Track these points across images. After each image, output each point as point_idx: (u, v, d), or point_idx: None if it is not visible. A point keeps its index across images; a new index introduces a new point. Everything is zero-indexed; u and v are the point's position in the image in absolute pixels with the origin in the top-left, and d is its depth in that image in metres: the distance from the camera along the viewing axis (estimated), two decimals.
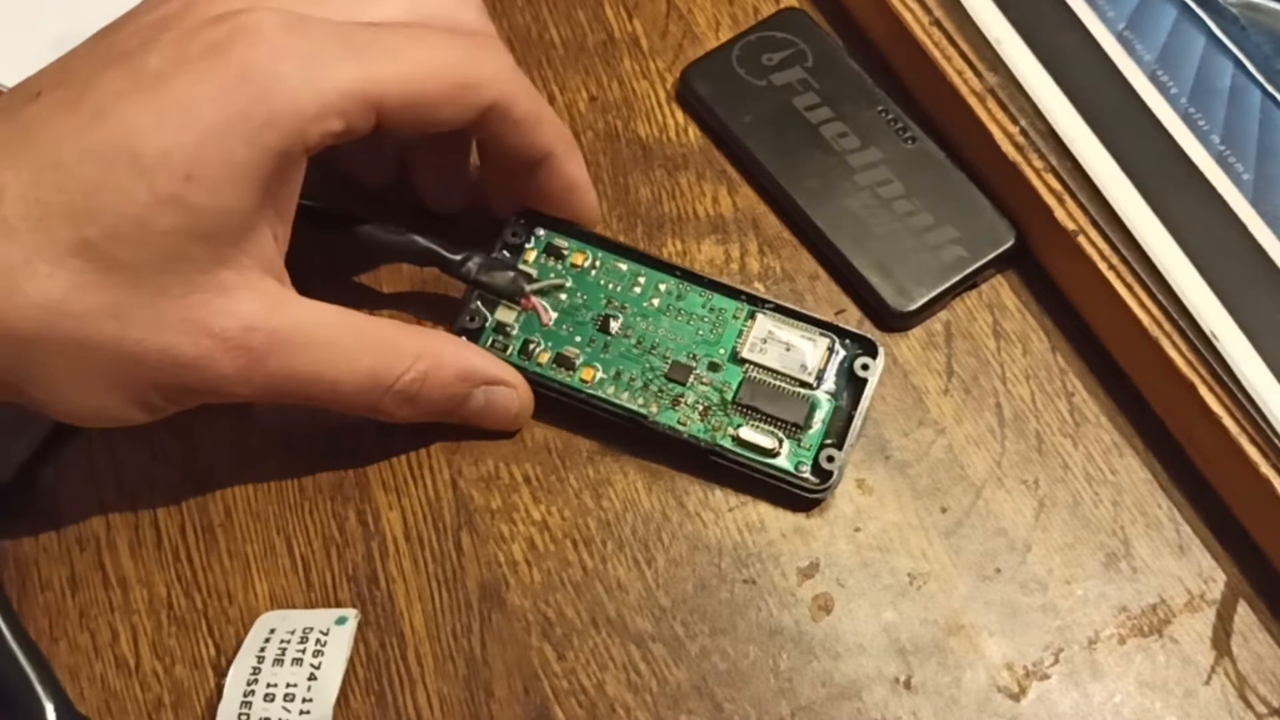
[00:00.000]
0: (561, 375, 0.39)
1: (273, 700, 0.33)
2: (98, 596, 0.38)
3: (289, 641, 0.34)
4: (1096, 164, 0.40)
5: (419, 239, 0.39)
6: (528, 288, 0.39)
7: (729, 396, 0.38)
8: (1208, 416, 0.37)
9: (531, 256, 0.40)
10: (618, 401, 0.38)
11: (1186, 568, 0.38)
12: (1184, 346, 0.38)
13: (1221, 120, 0.42)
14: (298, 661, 0.34)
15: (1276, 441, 0.36)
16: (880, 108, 0.44)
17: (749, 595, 0.37)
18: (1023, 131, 0.41)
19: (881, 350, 0.38)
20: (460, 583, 0.37)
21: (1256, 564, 0.37)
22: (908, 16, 0.44)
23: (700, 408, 0.38)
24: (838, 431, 0.38)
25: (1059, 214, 0.40)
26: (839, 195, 0.42)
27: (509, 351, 0.39)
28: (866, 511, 0.38)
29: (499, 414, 0.39)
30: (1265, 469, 0.36)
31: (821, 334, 0.39)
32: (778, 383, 0.38)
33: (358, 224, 0.39)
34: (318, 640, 0.34)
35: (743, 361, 0.39)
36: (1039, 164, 0.41)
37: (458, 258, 0.39)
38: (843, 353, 0.39)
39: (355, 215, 0.39)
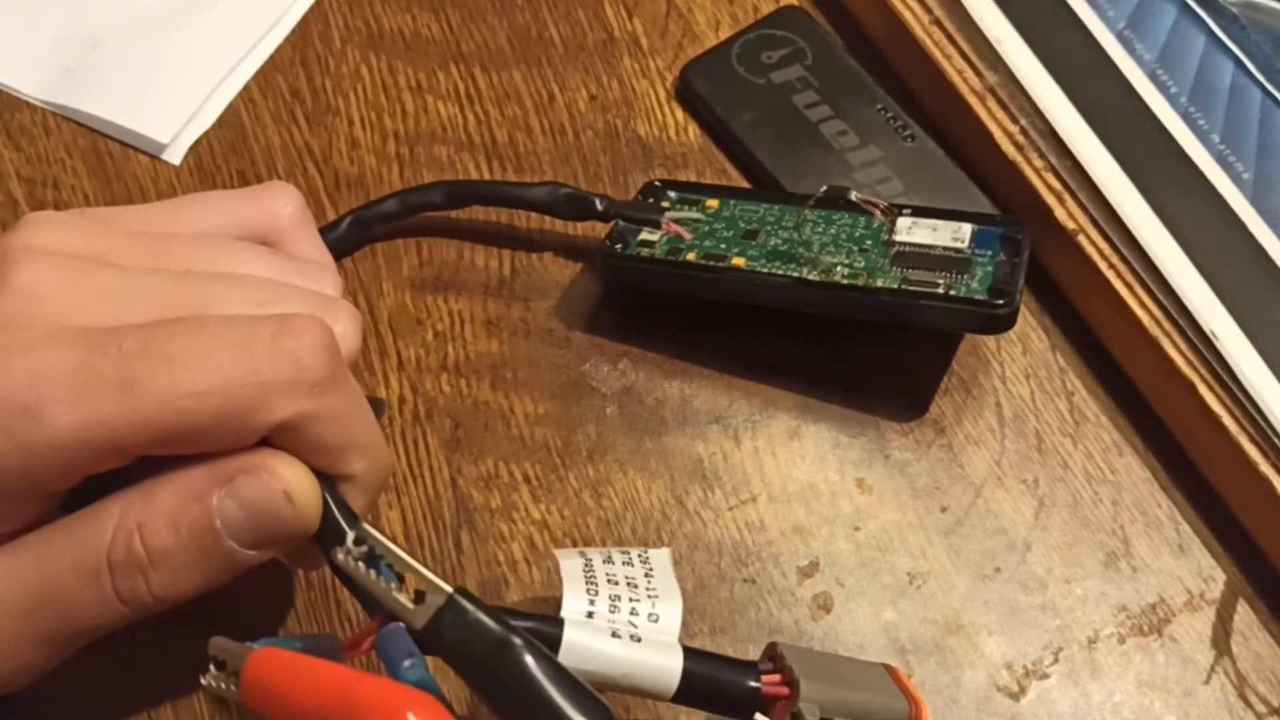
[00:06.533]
0: (713, 264, 0.39)
1: (616, 583, 0.31)
2: None
3: (609, 551, 0.32)
4: (1096, 163, 0.40)
5: (561, 186, 0.41)
6: (667, 215, 0.40)
7: (885, 265, 0.38)
8: (1208, 416, 0.37)
9: (666, 205, 0.41)
10: (774, 272, 0.38)
11: (1186, 567, 0.37)
12: (1184, 346, 0.38)
13: (1221, 119, 0.42)
14: (628, 564, 0.32)
15: (1276, 441, 0.36)
16: (880, 106, 0.44)
17: (749, 594, 0.37)
18: (1023, 131, 0.41)
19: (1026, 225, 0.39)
20: (460, 582, 0.37)
21: (1256, 564, 0.37)
22: (907, 15, 0.44)
23: (860, 275, 0.38)
24: (1005, 274, 0.37)
25: (1059, 213, 0.40)
26: None
27: (655, 254, 0.39)
28: (866, 510, 0.38)
29: (264, 512, 0.29)
30: (1265, 468, 0.36)
31: (965, 221, 0.39)
32: (933, 251, 0.38)
33: (505, 187, 0.42)
34: (639, 554, 0.33)
35: (894, 243, 0.39)
36: (1039, 163, 0.41)
37: (596, 198, 0.41)
38: (991, 230, 0.39)
39: (499, 181, 0.43)
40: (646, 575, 0.32)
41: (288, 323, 0.29)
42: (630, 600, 0.31)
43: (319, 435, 0.29)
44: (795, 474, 0.39)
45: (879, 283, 0.37)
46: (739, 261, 0.39)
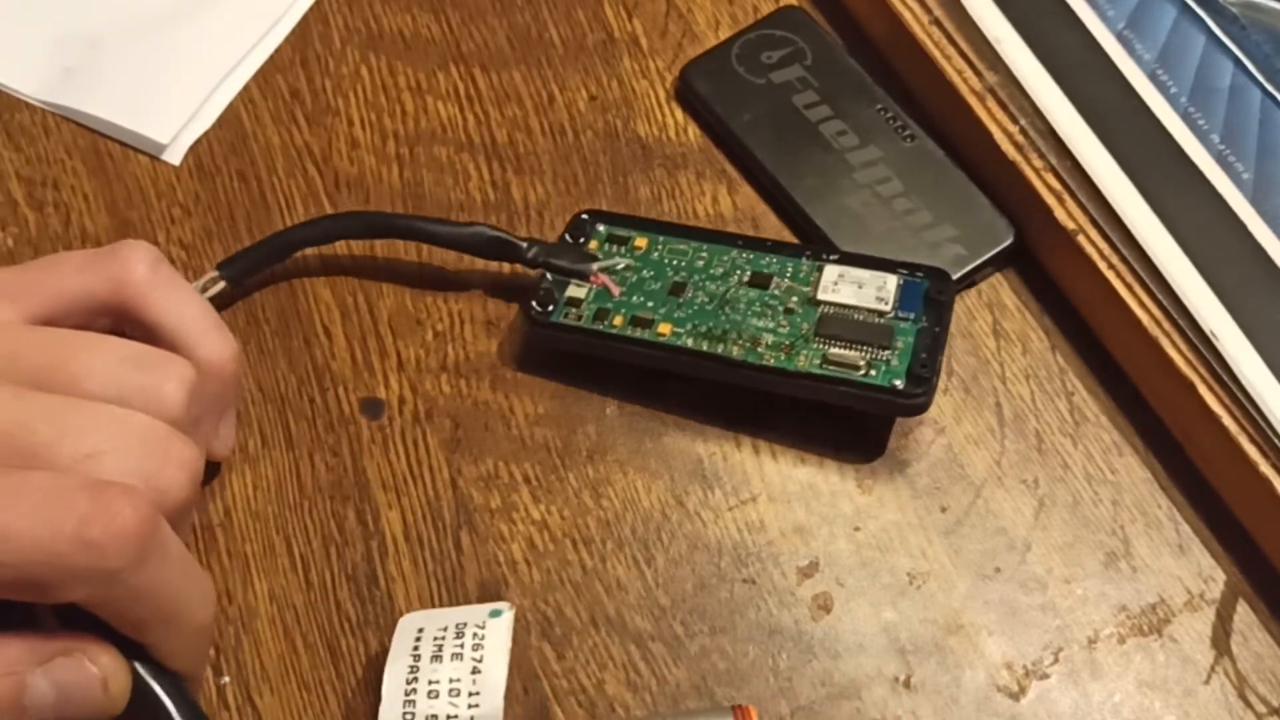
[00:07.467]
0: (639, 333, 0.39)
1: (437, 696, 0.32)
2: None
3: (443, 639, 0.33)
4: (1096, 163, 0.40)
5: (487, 229, 0.40)
6: (595, 265, 0.40)
7: (809, 332, 0.38)
8: (1208, 416, 0.37)
9: (594, 246, 0.41)
10: (699, 349, 0.38)
11: (1186, 567, 0.37)
12: (1184, 346, 0.38)
13: (1221, 119, 0.42)
14: (457, 657, 0.33)
15: (1276, 441, 0.36)
16: (879, 106, 0.44)
17: (748, 594, 0.37)
18: (1022, 131, 0.41)
19: (953, 278, 0.39)
20: (460, 582, 0.37)
21: (1256, 564, 0.37)
22: (907, 15, 0.44)
23: (783, 346, 0.38)
24: (926, 347, 0.38)
25: (1059, 213, 0.40)
26: (838, 193, 0.42)
27: (582, 320, 0.39)
28: (866, 511, 0.38)
29: (77, 696, 0.29)
30: (1265, 469, 0.36)
31: (890, 272, 0.39)
32: (857, 315, 0.39)
33: (426, 224, 0.41)
34: (475, 634, 0.33)
35: (819, 303, 0.39)
36: (1039, 163, 0.41)
37: (524, 244, 0.40)
38: (916, 284, 0.39)
39: (422, 218, 0.42)
40: (474, 672, 0.32)
41: (101, 504, 0.28)
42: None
43: (112, 613, 0.29)
44: (795, 474, 0.39)
45: (800, 362, 0.38)
46: (665, 329, 0.39)
